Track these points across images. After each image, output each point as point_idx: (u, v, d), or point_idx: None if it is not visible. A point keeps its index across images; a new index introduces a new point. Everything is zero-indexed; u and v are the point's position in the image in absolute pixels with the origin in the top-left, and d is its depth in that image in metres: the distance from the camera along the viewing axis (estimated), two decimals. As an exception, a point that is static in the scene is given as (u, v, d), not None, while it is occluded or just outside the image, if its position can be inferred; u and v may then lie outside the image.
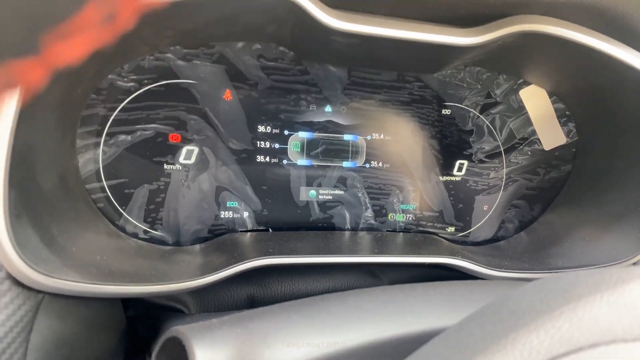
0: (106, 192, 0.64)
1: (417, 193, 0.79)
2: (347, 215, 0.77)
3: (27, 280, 0.45)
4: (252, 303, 0.71)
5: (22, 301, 0.46)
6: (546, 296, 0.29)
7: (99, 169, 0.64)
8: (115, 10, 0.14)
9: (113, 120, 0.64)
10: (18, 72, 0.13)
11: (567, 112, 0.78)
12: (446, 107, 0.76)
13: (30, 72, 0.13)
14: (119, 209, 0.65)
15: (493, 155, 0.80)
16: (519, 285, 0.51)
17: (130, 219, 0.66)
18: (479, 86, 0.76)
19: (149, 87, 0.65)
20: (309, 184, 0.74)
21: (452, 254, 0.69)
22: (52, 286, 0.46)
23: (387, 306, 0.42)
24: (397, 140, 0.76)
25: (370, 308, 0.41)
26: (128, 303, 0.65)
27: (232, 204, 0.71)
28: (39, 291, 0.47)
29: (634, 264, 0.67)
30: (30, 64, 0.13)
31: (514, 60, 0.69)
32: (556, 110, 0.78)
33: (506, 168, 0.80)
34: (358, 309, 0.42)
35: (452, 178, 0.79)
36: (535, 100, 0.77)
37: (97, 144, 0.63)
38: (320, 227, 0.76)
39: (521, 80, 0.77)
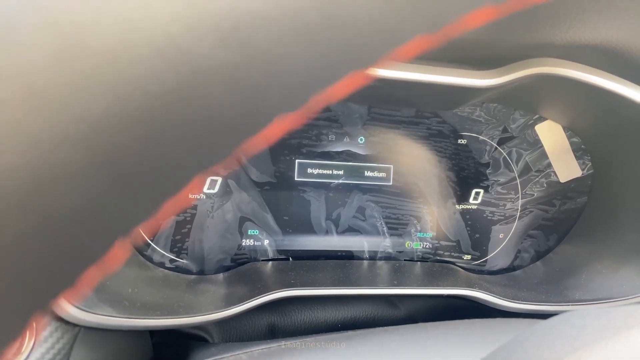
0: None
1: (434, 222, 0.80)
2: (366, 244, 0.78)
3: (67, 315, 0.47)
4: (273, 332, 0.73)
5: (60, 334, 0.49)
6: (554, 342, 0.31)
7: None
8: None
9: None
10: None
11: (582, 146, 0.79)
12: (463, 137, 0.78)
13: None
14: (147, 239, 0.68)
15: (509, 186, 0.81)
16: (533, 324, 0.52)
17: (158, 248, 0.69)
18: (495, 121, 0.78)
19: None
20: (329, 213, 0.76)
21: (469, 284, 0.70)
22: (90, 320, 0.48)
23: (410, 346, 0.44)
24: (414, 170, 0.78)
25: (394, 348, 0.43)
26: (154, 331, 0.68)
27: (253, 232, 0.74)
28: (75, 325, 0.50)
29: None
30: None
31: (530, 98, 0.71)
32: (571, 144, 0.79)
33: (522, 199, 0.82)
34: (381, 348, 0.44)
35: (469, 207, 0.81)
36: (551, 134, 0.79)
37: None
38: (340, 256, 0.77)
39: (537, 116, 0.78)
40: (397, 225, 0.79)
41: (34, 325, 0.48)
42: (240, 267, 0.73)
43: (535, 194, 0.82)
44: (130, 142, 0.14)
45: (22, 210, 0.13)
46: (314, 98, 0.15)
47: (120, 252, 0.15)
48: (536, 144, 0.80)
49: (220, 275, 0.72)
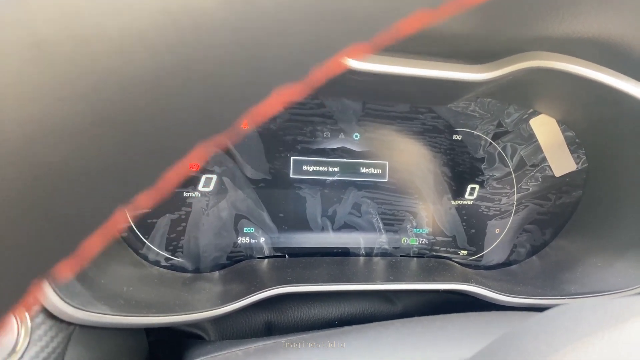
0: (129, 223, 0.67)
1: (430, 218, 0.80)
2: (362, 240, 0.78)
3: (61, 314, 0.47)
4: (270, 329, 0.73)
5: (55, 333, 0.48)
6: (551, 334, 0.31)
7: (123, 200, 0.66)
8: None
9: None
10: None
11: (577, 140, 0.79)
12: (457, 132, 0.78)
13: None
14: (142, 238, 0.68)
15: (504, 181, 0.81)
16: (530, 317, 0.52)
17: (153, 247, 0.69)
18: (490, 115, 0.78)
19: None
20: (325, 210, 0.76)
21: (466, 279, 0.70)
22: (84, 319, 0.48)
23: (406, 339, 0.43)
24: (410, 166, 0.78)
25: (390, 342, 0.43)
26: (150, 329, 0.67)
27: (249, 229, 0.73)
28: (70, 323, 0.49)
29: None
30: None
31: (524, 92, 0.71)
32: (566, 138, 0.79)
33: (517, 194, 0.82)
34: (377, 342, 0.43)
35: (464, 202, 0.81)
36: (546, 128, 0.79)
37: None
38: (336, 253, 0.77)
39: (531, 110, 0.78)
40: (393, 222, 0.79)
41: (29, 324, 0.47)
42: (236, 265, 0.72)
43: (531, 189, 0.82)
44: (133, 102, 0.13)
45: (24, 165, 0.13)
46: (314, 70, 0.15)
47: (119, 221, 0.15)
48: (531, 138, 0.80)
49: (216, 273, 0.71)
